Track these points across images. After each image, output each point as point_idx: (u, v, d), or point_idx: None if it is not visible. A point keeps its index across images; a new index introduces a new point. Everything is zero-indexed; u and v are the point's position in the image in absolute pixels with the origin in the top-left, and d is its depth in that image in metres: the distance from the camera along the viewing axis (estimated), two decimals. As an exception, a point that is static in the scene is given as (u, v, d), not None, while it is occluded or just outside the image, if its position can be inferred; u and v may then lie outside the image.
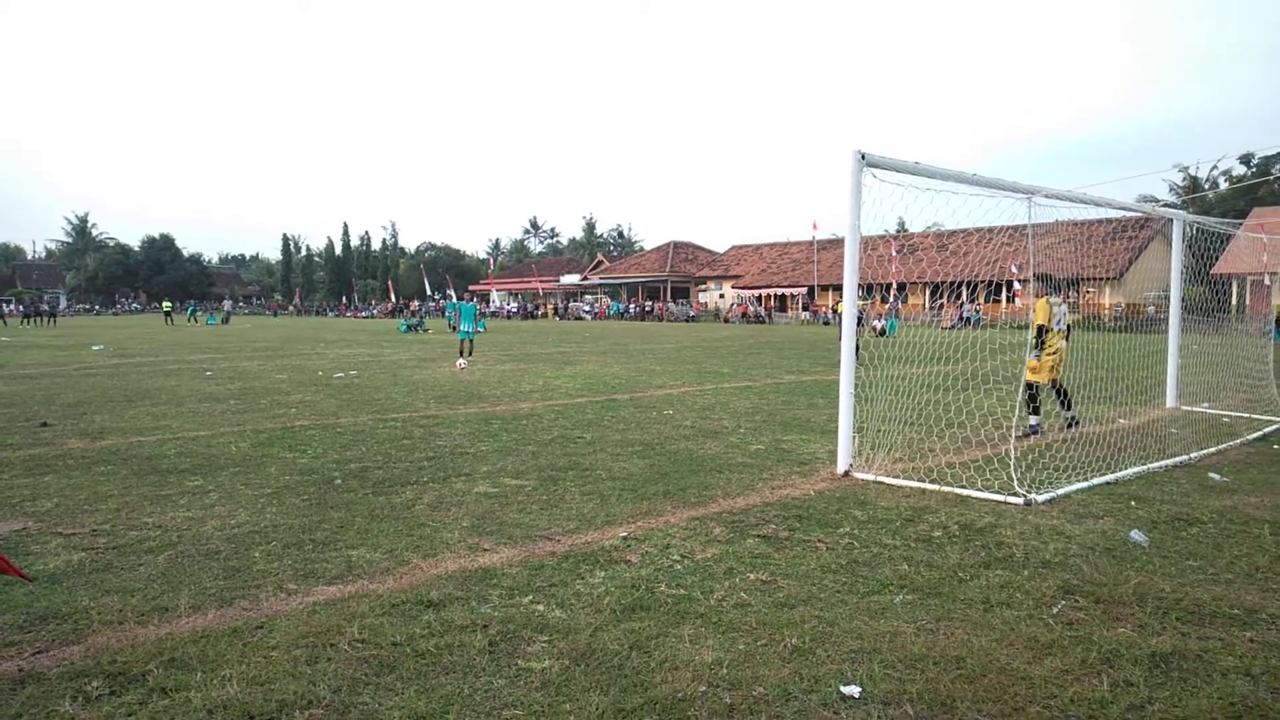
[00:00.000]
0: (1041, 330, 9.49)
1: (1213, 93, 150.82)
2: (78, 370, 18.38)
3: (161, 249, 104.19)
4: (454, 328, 44.37)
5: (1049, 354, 9.77)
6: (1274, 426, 10.35)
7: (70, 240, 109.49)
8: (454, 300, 52.23)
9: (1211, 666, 3.67)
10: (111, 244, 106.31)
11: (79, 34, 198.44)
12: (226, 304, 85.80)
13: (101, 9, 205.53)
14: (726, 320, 60.42)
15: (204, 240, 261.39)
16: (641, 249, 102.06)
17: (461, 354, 20.22)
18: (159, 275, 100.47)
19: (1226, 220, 13.44)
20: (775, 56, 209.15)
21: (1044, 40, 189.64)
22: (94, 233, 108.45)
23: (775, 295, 65.70)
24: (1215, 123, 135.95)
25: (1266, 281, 18.83)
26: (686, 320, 61.72)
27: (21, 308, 62.07)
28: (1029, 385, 9.61)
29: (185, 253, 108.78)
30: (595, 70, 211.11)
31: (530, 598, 4.46)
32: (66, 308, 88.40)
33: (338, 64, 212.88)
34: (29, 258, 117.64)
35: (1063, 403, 10.03)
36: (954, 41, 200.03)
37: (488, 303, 79.59)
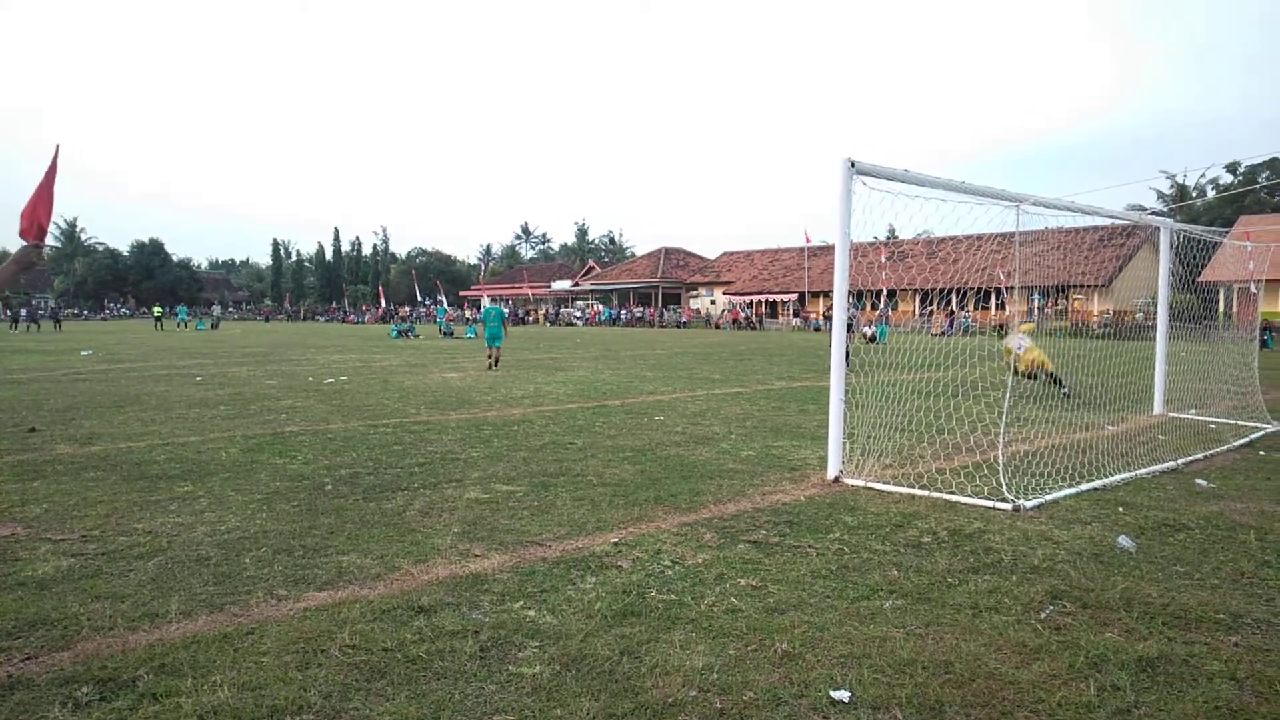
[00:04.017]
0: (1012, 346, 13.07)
1: (1198, 94, 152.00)
2: (66, 375, 18.28)
3: (151, 254, 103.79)
4: (445, 334, 44.62)
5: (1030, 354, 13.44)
6: (1260, 433, 10.43)
7: (59, 245, 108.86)
8: (444, 306, 52.53)
9: (1197, 671, 3.71)
10: (100, 249, 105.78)
11: (69, 34, 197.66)
12: (216, 309, 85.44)
13: (92, 8, 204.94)
14: (718, 326, 60.51)
15: (194, 245, 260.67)
16: (633, 255, 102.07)
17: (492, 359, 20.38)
18: (148, 280, 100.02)
19: (1213, 228, 13.56)
20: (767, 61, 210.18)
21: (1031, 41, 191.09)
22: (83, 237, 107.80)
23: (766, 301, 65.80)
24: (1202, 123, 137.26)
25: (1253, 289, 18.98)
26: (678, 326, 61.77)
27: (9, 312, 61.66)
28: (1049, 373, 13.69)
29: (175, 258, 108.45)
30: (588, 77, 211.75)
31: (521, 603, 4.46)
32: (54, 312, 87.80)
33: (330, 69, 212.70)
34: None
35: (1055, 381, 13.56)
36: (941, 44, 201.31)
37: (478, 309, 79.53)
